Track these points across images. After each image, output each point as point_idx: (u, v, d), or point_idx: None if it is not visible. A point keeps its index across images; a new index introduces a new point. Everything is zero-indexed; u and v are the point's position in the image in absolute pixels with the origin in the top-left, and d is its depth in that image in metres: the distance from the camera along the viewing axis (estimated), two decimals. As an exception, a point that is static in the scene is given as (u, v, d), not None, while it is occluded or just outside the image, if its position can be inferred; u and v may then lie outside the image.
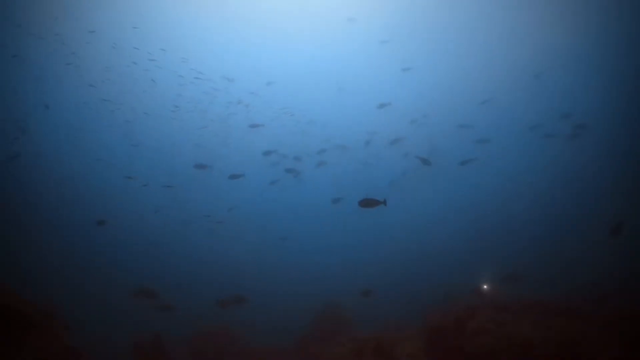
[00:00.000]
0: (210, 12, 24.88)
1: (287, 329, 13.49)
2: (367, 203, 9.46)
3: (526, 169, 23.83)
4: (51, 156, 26.44)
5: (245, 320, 14.09)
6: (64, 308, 9.96)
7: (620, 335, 8.56)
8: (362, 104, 24.13)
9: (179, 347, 13.18)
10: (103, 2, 23.04)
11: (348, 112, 26.46)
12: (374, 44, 24.14)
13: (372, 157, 24.57)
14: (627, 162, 20.62)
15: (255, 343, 13.58)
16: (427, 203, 24.01)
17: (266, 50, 26.57)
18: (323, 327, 13.50)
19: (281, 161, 21.32)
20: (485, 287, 11.69)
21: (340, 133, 24.72)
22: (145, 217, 23.38)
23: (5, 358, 8.26)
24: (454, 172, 19.54)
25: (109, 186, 24.58)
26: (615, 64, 23.51)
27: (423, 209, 23.64)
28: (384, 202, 9.32)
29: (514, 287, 11.18)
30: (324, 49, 26.41)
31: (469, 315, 10.15)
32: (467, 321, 9.93)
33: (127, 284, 14.38)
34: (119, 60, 23.13)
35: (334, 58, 26.65)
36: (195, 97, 24.22)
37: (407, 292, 13.66)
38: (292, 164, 20.43)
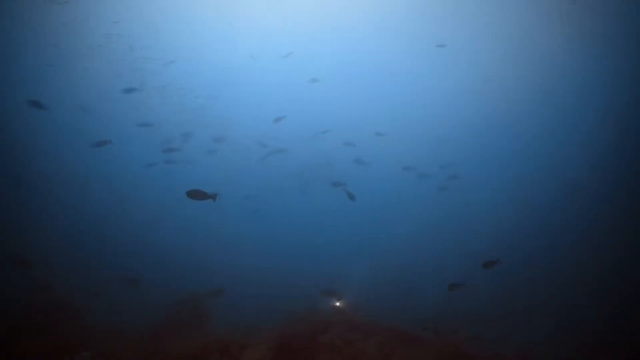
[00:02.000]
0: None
1: (140, 314, 12.77)
2: (194, 194, 9.09)
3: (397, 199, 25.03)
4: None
5: (96, 297, 13.14)
6: None
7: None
8: (264, 111, 23.75)
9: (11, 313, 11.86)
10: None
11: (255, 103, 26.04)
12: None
13: (268, 156, 24.30)
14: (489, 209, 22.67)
15: (100, 322, 12.65)
16: (301, 216, 24.23)
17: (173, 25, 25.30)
18: (177, 319, 12.99)
19: (170, 138, 20.40)
20: (342, 304, 12.06)
21: (242, 124, 24.35)
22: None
23: None
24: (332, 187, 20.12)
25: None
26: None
27: (298, 220, 23.85)
28: (214, 198, 9.05)
29: (368, 308, 11.70)
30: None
31: (323, 329, 10.38)
32: (319, 335, 10.14)
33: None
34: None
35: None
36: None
37: (268, 297, 13.64)
38: (179, 144, 19.61)
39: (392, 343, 9.87)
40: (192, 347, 10.38)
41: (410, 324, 10.95)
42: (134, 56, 23.29)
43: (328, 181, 19.37)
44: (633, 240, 17.45)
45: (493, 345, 11.09)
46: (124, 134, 22.12)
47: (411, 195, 23.82)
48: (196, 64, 25.23)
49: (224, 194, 9.49)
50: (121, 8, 22.94)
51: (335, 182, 18.27)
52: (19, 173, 20.83)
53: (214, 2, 24.99)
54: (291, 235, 21.56)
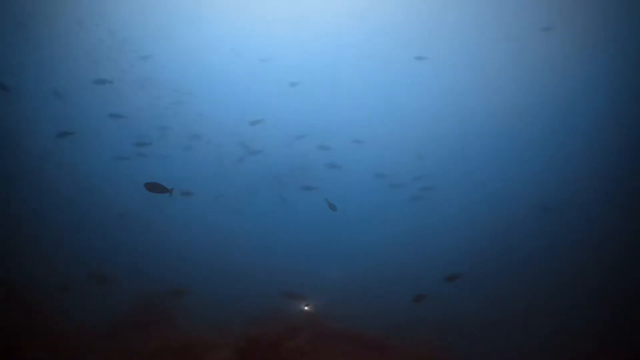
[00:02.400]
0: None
1: (104, 312, 12.45)
2: (152, 187, 9.21)
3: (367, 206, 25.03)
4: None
5: (59, 293, 12.77)
6: None
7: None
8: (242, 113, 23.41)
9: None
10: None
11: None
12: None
13: (245, 156, 24.01)
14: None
15: (64, 321, 12.31)
16: (272, 218, 23.98)
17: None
18: (142, 318, 12.70)
19: (146, 132, 20.05)
20: (310, 308, 11.94)
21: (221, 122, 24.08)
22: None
23: None
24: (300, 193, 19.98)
25: None
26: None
27: (269, 223, 23.60)
28: (170, 192, 9.18)
29: (336, 314, 11.59)
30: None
31: (290, 333, 10.26)
32: (285, 339, 10.01)
33: None
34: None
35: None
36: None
37: (235, 298, 13.44)
38: (156, 139, 19.28)
39: (358, 350, 9.78)
40: (155, 346, 10.19)
41: (378, 331, 10.87)
42: (113, 46, 22.85)
43: (301, 184, 19.30)
44: (633, 240, 17.60)
45: (473, 352, 11.11)
46: (97, 125, 21.61)
47: (386, 203, 23.82)
48: (177, 59, 24.88)
49: (197, 192, 9.42)
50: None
51: (307, 186, 18.18)
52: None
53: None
54: (262, 237, 21.35)
